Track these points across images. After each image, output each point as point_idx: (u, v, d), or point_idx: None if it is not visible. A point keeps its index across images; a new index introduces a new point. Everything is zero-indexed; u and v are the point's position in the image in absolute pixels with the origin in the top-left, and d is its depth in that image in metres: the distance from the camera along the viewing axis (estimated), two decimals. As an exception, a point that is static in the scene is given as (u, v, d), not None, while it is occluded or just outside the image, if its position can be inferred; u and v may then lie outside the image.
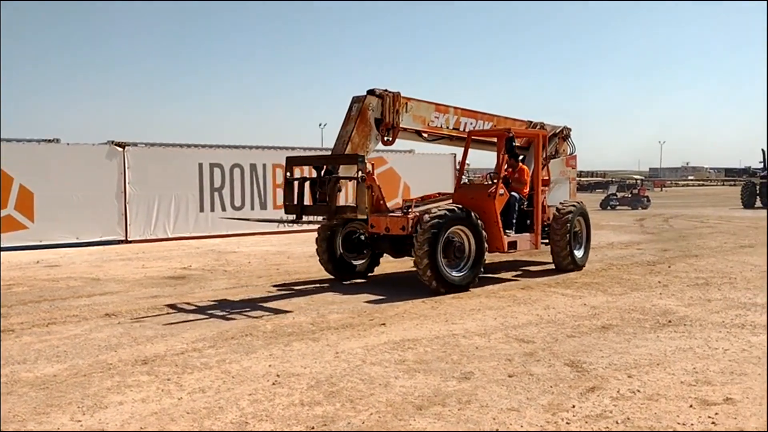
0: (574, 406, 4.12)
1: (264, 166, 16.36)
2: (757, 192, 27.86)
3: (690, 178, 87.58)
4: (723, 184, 70.57)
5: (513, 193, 9.38)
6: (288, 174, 8.50)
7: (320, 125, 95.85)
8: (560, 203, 10.29)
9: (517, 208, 9.43)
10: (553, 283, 8.87)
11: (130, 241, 14.37)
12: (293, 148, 17.35)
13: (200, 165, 15.44)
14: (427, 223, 8.01)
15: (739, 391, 4.37)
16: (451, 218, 8.17)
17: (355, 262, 9.45)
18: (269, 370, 4.95)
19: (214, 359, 5.27)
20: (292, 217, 8.45)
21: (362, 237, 9.11)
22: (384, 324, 6.47)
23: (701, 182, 78.17)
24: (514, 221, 9.37)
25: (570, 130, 11.56)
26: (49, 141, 14.09)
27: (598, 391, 4.40)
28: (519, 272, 9.99)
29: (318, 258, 9.36)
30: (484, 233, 8.52)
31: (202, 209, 15.43)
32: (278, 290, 8.51)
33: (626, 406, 4.13)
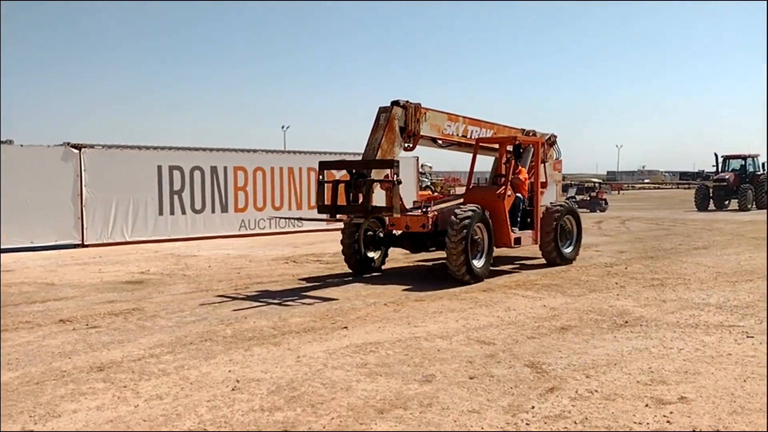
0: (533, 407, 4.17)
1: (225, 168, 16.18)
2: (710, 195, 28.64)
3: (646, 181, 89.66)
4: (678, 187, 72.38)
5: (518, 195, 10.32)
6: (321, 176, 9.26)
7: (282, 127, 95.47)
8: (549, 204, 11.06)
9: (520, 208, 10.38)
10: (513, 284, 8.97)
11: (87, 245, 14.04)
12: (255, 151, 17.22)
13: (159, 167, 15.19)
14: (460, 222, 8.87)
15: (693, 390, 4.47)
16: (476, 217, 9.10)
17: (372, 257, 10.26)
18: (229, 375, 4.89)
19: (172, 365, 5.18)
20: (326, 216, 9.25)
21: (382, 235, 10.13)
22: (346, 327, 6.45)
23: (657, 185, 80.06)
24: (518, 219, 10.32)
25: (556, 137, 12.48)
26: (2, 142, 13.70)
27: (557, 392, 4.46)
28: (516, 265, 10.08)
29: (343, 253, 10.06)
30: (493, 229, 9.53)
31: (161, 212, 15.17)
32: (239, 294, 8.41)
33: (584, 406, 4.19)
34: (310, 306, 7.57)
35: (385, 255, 10.55)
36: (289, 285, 9.08)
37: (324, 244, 14.48)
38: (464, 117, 10.74)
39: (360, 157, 9.70)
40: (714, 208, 28.39)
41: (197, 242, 14.95)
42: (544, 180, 11.31)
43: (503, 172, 10.55)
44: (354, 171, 8.95)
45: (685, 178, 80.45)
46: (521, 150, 10.17)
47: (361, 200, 8.77)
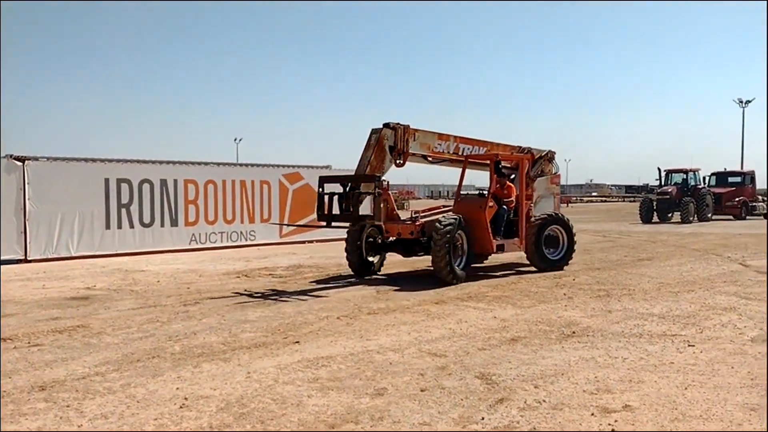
0: (483, 418, 4.22)
1: (175, 181, 15.90)
2: (654, 208, 29.55)
3: (593, 194, 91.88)
4: (624, 200, 74.42)
5: (502, 206, 11.44)
6: (320, 189, 10.42)
7: (235, 140, 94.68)
8: (535, 215, 12.09)
9: (504, 218, 11.47)
10: (465, 296, 9.07)
11: (30, 261, 13.59)
12: (206, 163, 17.01)
13: (107, 180, 14.83)
14: (443, 229, 10.09)
15: (637, 398, 4.60)
16: (457, 224, 10.33)
17: (372, 261, 11.47)
18: (177, 393, 4.80)
19: (118, 383, 5.05)
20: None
21: (380, 241, 11.36)
22: (298, 342, 6.41)
23: (604, 198, 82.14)
24: (502, 228, 11.43)
25: (554, 153, 13.30)
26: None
27: (507, 403, 4.53)
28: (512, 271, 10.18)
29: (347, 257, 11.33)
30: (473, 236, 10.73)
31: (108, 226, 14.80)
32: (188, 310, 8.26)
33: (532, 416, 4.27)
34: (262, 321, 7.49)
35: (383, 259, 11.78)
36: (240, 300, 8.96)
37: (277, 258, 14.38)
38: (455, 136, 11.76)
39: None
40: (658, 220, 29.28)
41: (146, 257, 14.63)
42: (530, 192, 12.23)
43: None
44: (347, 184, 10.22)
45: (631, 191, 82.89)
46: (500, 166, 11.38)
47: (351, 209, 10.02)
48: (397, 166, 10.93)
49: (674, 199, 29.21)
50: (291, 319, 7.58)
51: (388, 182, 11.35)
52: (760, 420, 4.19)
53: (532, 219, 11.92)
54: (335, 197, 10.28)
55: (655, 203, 29.64)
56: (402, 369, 5.41)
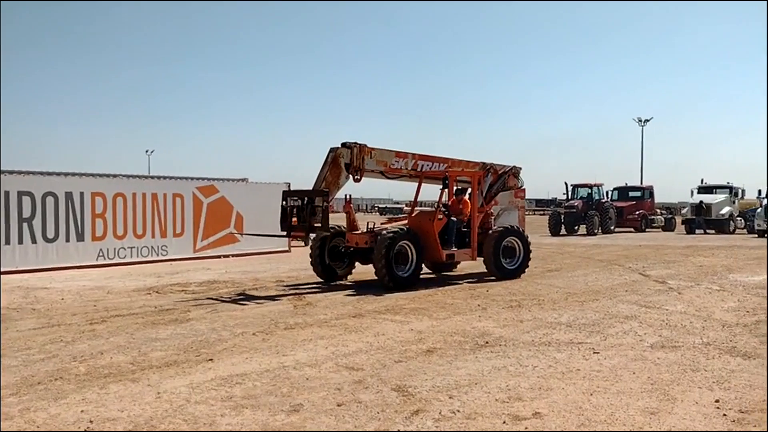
0: (399, 431, 4.25)
1: (81, 194, 15.18)
2: (562, 221, 30.82)
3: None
4: (534, 213, 77.12)
5: (452, 218, 12.18)
6: (283, 202, 11.43)
7: (147, 152, 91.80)
8: (494, 227, 12.77)
9: (454, 230, 12.08)
10: (383, 309, 9.12)
11: None
12: (115, 176, 16.37)
13: (7, 193, 13.99)
14: (383, 239, 10.90)
15: (546, 406, 4.77)
16: (399, 235, 11.12)
17: (338, 270, 12.24)
18: (81, 416, 4.57)
19: (16, 408, 4.76)
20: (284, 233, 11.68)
21: (342, 250, 12.08)
22: (211, 359, 6.25)
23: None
24: (453, 239, 12.07)
25: (520, 168, 14.21)
26: None
27: (422, 414, 4.59)
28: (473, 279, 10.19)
29: (311, 264, 12.21)
30: (421, 246, 11.44)
31: (8, 242, 13.93)
32: (94, 329, 7.89)
33: (447, 426, 4.34)
34: (173, 339, 7.26)
35: (348, 266, 12.36)
36: (151, 317, 8.65)
37: (190, 273, 13.99)
38: (413, 153, 12.53)
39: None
40: (565, 232, 30.55)
41: (49, 273, 13.87)
42: (487, 206, 13.15)
43: (458, 201, 12.77)
44: (304, 198, 11.21)
45: (541, 204, 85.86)
46: (446, 182, 12.11)
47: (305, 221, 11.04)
48: (355, 181, 11.89)
49: (580, 213, 30.59)
50: (204, 336, 7.39)
51: (350, 196, 12.29)
52: (660, 423, 4.43)
53: (491, 231, 12.64)
54: (294, 210, 11.28)
55: (562, 216, 30.92)
56: (319, 384, 5.38)
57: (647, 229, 33.07)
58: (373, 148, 11.93)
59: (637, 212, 33.13)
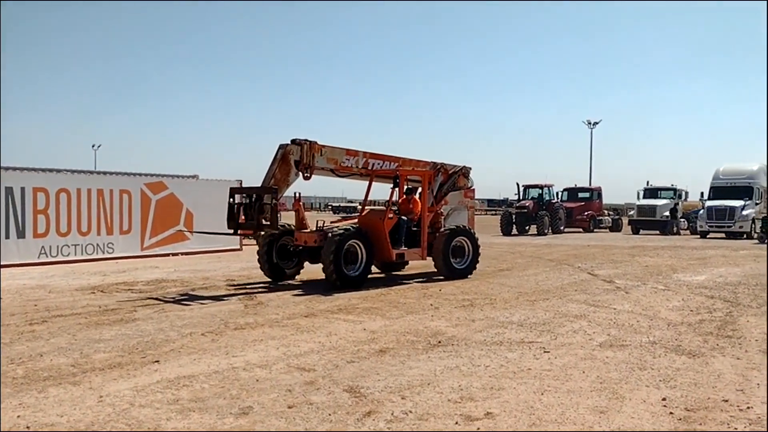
0: (351, 433, 4.19)
1: (22, 189, 14.59)
2: (513, 221, 31.26)
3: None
4: (486, 213, 78.10)
5: (402, 217, 12.17)
6: (231, 200, 11.20)
7: (93, 146, 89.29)
8: (444, 227, 12.84)
9: (404, 229, 12.06)
10: (336, 309, 9.03)
11: None
12: (59, 170, 15.79)
13: (-60, 187, 13.36)
14: (332, 238, 10.80)
15: (498, 405, 4.78)
16: (348, 235, 11.02)
17: (286, 269, 12.06)
18: (18, 421, 4.35)
19: (-54, 415, 4.51)
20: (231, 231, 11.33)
21: (291, 248, 11.95)
22: (158, 361, 6.06)
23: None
24: (403, 239, 12.05)
25: (470, 169, 14.24)
26: None
27: (374, 415, 4.53)
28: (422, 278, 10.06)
29: (258, 263, 11.93)
30: (371, 245, 11.32)
31: (-59, 238, 13.31)
32: (34, 330, 7.56)
33: (399, 427, 4.30)
34: (118, 340, 7.01)
35: (299, 266, 12.23)
36: (95, 317, 8.35)
37: (137, 272, 13.61)
38: (364, 152, 12.41)
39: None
40: (516, 232, 30.99)
41: (-14, 271, 13.28)
42: (436, 206, 13.17)
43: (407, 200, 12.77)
44: (252, 195, 11.03)
45: (493, 204, 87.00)
46: (397, 181, 12.31)
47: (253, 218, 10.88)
48: (305, 179, 11.73)
49: (531, 213, 31.08)
50: (151, 336, 7.17)
51: (299, 194, 12.02)
52: (609, 422, 4.48)
53: (441, 230, 12.65)
54: (242, 207, 11.13)
55: (514, 216, 31.36)
56: (269, 386, 5.27)
57: (595, 230, 33.85)
58: (323, 146, 11.80)
59: (586, 213, 33.87)
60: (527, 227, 31.35)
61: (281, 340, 7.03)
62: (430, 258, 12.56)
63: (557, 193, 33.98)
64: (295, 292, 10.71)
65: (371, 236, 11.45)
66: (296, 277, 12.25)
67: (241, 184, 17.18)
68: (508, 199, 62.14)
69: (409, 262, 12.99)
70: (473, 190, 14.88)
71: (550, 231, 30.62)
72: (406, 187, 12.95)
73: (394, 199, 12.66)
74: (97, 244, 15.95)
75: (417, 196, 12.81)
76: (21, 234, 14.52)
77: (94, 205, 15.89)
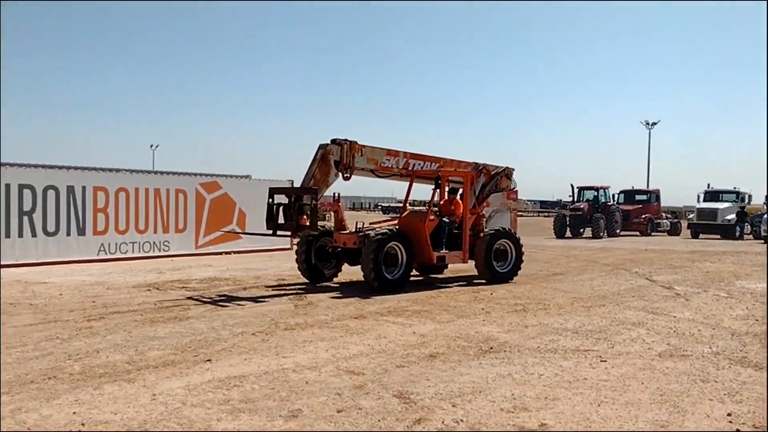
0: (400, 440, 4.11)
1: (83, 188, 15.07)
2: (567, 223, 30.61)
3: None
4: (538, 215, 76.89)
5: (444, 219, 11.93)
6: (270, 200, 11.07)
7: (152, 146, 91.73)
8: (485, 229, 12.51)
9: (446, 231, 11.82)
10: (385, 311, 8.97)
11: None
12: (118, 170, 16.25)
13: (8, 186, 13.88)
14: (372, 239, 10.59)
15: (553, 416, 4.62)
16: (389, 236, 10.84)
17: (325, 270, 11.95)
18: (73, 418, 4.44)
19: (7, 408, 4.63)
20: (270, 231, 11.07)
21: (330, 250, 11.77)
22: (209, 360, 6.11)
23: (520, 212, 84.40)
24: (444, 241, 11.79)
25: (512, 170, 13.74)
26: None
27: (425, 423, 4.44)
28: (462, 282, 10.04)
29: (297, 265, 11.85)
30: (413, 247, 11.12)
31: (8, 235, 13.83)
32: (92, 326, 7.76)
33: (450, 436, 4.19)
34: (171, 337, 7.12)
35: (337, 268, 12.11)
36: (150, 314, 8.52)
37: (191, 270, 13.86)
38: (405, 152, 12.10)
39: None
40: (570, 235, 30.34)
41: (49, 268, 13.76)
42: (478, 208, 12.79)
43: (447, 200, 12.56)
44: (291, 195, 10.97)
45: (545, 206, 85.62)
46: (439, 182, 11.79)
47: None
48: (345, 179, 11.48)
49: (586, 215, 30.37)
50: (203, 335, 7.25)
51: (338, 194, 11.96)
52: (669, 436, 4.27)
53: (483, 233, 12.34)
54: (281, 207, 10.98)
55: (568, 219, 30.71)
56: (318, 388, 5.24)
57: (653, 234, 32.82)
58: (363, 146, 11.55)
59: (643, 216, 32.87)
60: (581, 230, 30.65)
61: (331, 341, 7.01)
62: (472, 261, 12.31)
63: (613, 195, 33.10)
64: (344, 293, 10.69)
65: (412, 238, 11.23)
66: (334, 279, 12.13)
67: (292, 184, 17.30)
68: (561, 200, 61.05)
69: (448, 265, 12.79)
70: (516, 191, 14.58)
71: (605, 234, 29.86)
72: (447, 187, 12.64)
73: (435, 200, 12.40)
74: (154, 242, 16.34)
75: (459, 198, 12.56)
76: (81, 231, 14.99)
77: (151, 204, 16.29)
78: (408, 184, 12.64)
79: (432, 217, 11.75)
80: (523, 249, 12.86)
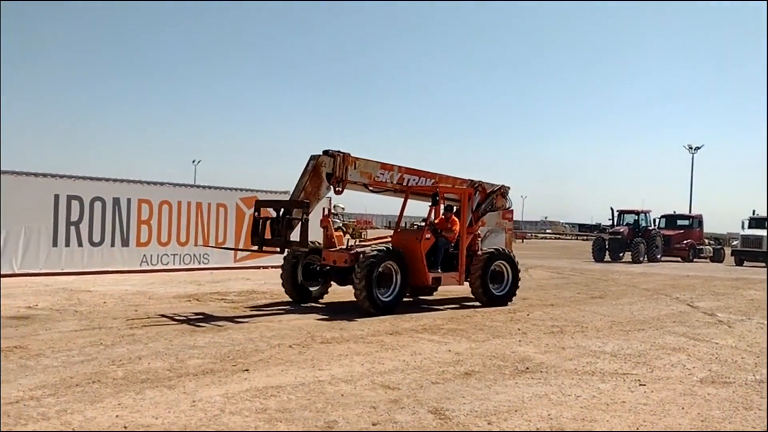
0: (435, 455, 4.12)
1: (128, 200, 15.50)
2: (606, 247, 30.15)
3: (548, 231, 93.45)
4: (576, 238, 75.89)
5: (440, 238, 11.26)
6: (256, 213, 10.53)
7: (194, 162, 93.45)
8: (482, 250, 11.90)
9: (442, 251, 11.26)
10: (420, 328, 8.98)
11: (-32, 276, 12.99)
12: (162, 183, 16.67)
13: (56, 196, 14.37)
14: (365, 260, 9.96)
15: (589, 437, 4.57)
16: (382, 255, 10.17)
17: (311, 289, 11.37)
18: (116, 421, 4.57)
19: (53, 409, 4.79)
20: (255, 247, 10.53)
21: (317, 268, 11.06)
22: (247, 370, 6.21)
23: (557, 235, 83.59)
24: (440, 261, 11.24)
25: (508, 188, 13.18)
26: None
27: (459, 439, 4.44)
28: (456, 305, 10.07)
29: (282, 283, 11.24)
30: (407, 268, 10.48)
31: (55, 244, 14.30)
32: (134, 333, 7.96)
33: (485, 453, 4.18)
34: (211, 347, 7.26)
35: (325, 287, 11.52)
36: (190, 324, 8.70)
37: (230, 282, 14.09)
38: (399, 166, 11.50)
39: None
40: (609, 259, 29.85)
41: (93, 277, 14.15)
42: (475, 226, 12.22)
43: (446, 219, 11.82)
44: (280, 209, 10.24)
45: (584, 229, 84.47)
46: (437, 198, 11.22)
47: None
48: (336, 193, 10.92)
49: (626, 239, 29.86)
50: (241, 346, 7.37)
51: (328, 209, 11.55)
52: (710, 462, 4.19)
53: (479, 253, 11.79)
54: (268, 222, 10.37)
55: (607, 242, 30.24)
56: (354, 401, 5.28)
57: (695, 260, 32.08)
58: (357, 158, 10.89)
59: (685, 241, 32.16)
60: (621, 254, 30.13)
61: (366, 356, 7.05)
62: (466, 283, 11.72)
63: (654, 220, 32.51)
64: (333, 314, 10.72)
65: (406, 258, 10.59)
66: (320, 299, 11.50)
67: (329, 202, 17.45)
68: (600, 224, 60.15)
69: (438, 288, 12.11)
70: (512, 211, 14.13)
71: (645, 259, 29.31)
72: (442, 205, 12.02)
73: (430, 218, 11.71)
74: (194, 255, 16.67)
75: (454, 215, 11.92)
76: (125, 243, 15.40)
77: (192, 217, 16.65)
78: (402, 200, 11.90)
79: (428, 235, 11.12)
80: (520, 271, 12.30)
